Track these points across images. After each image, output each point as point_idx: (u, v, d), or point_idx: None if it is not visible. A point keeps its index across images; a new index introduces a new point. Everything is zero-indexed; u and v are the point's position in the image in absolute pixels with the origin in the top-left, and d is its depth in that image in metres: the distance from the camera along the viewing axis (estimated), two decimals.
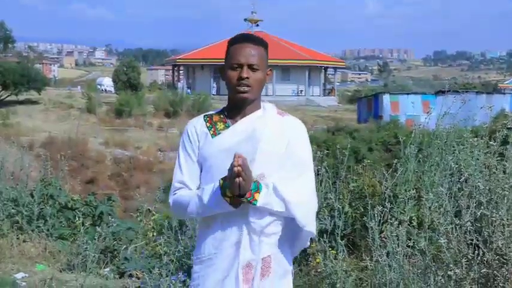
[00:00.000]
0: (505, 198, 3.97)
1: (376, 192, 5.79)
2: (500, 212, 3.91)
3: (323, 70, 65.00)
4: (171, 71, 77.45)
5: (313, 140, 3.04)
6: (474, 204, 4.03)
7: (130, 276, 6.10)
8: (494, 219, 3.90)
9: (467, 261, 3.88)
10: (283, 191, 2.76)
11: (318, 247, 4.89)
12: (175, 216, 5.67)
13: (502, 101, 34.11)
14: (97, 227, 6.93)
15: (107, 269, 6.55)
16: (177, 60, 65.31)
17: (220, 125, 2.91)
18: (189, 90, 55.10)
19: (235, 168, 2.61)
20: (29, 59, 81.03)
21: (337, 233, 5.00)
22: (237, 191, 2.67)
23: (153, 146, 35.45)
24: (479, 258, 3.85)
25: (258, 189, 2.73)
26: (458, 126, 6.04)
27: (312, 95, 60.37)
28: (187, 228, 5.81)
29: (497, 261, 3.88)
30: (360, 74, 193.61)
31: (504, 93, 42.37)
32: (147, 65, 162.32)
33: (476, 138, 4.99)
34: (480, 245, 3.93)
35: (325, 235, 4.85)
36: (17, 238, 7.13)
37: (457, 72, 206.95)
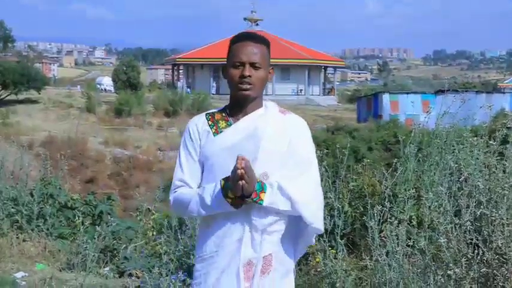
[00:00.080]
0: (505, 197, 3.97)
1: (376, 192, 5.79)
2: (500, 212, 3.91)
3: (323, 69, 65.00)
4: (170, 71, 77.46)
5: (312, 139, 3.03)
6: (474, 204, 4.03)
7: (130, 275, 6.10)
8: (493, 218, 3.90)
9: (467, 260, 3.88)
10: (288, 190, 2.76)
11: (318, 246, 4.89)
12: (176, 214, 5.68)
13: (501, 100, 34.14)
14: (97, 226, 6.94)
15: (107, 268, 6.55)
16: (177, 60, 65.31)
17: (222, 123, 2.90)
18: (188, 90, 55.08)
19: (239, 171, 2.61)
20: (28, 58, 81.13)
21: (337, 233, 5.00)
22: (239, 192, 2.67)
23: (152, 146, 35.46)
24: (479, 257, 3.85)
25: (262, 189, 2.72)
26: (458, 125, 6.03)
27: (312, 95, 60.37)
28: (187, 228, 5.81)
29: (497, 261, 3.88)
30: (359, 73, 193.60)
31: (504, 93, 42.39)
32: (147, 65, 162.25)
33: (476, 138, 4.98)
34: (480, 245, 3.92)
35: (324, 234, 4.84)
36: (17, 237, 7.14)
37: (457, 72, 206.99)
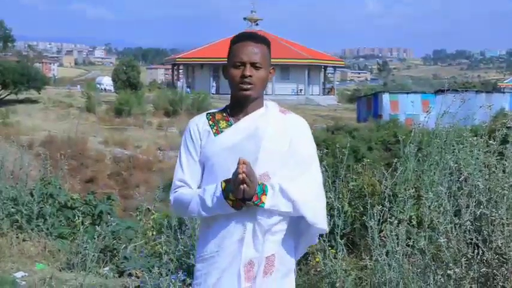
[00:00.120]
0: (505, 197, 3.97)
1: (376, 192, 5.79)
2: (499, 211, 3.91)
3: (322, 69, 65.01)
4: (170, 70, 77.49)
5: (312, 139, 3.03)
6: (474, 204, 4.03)
7: (130, 275, 6.10)
8: (493, 218, 3.90)
9: (466, 260, 3.88)
10: (290, 191, 2.76)
11: (318, 246, 4.89)
12: (176, 214, 5.67)
13: (501, 100, 34.16)
14: (96, 226, 6.93)
15: (107, 268, 6.55)
16: (177, 60, 65.33)
17: (222, 123, 2.90)
18: (188, 89, 55.10)
19: (240, 176, 2.62)
20: (28, 58, 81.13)
21: (337, 232, 5.00)
22: (241, 195, 2.68)
23: (152, 145, 35.47)
24: (478, 257, 3.85)
25: (264, 191, 2.72)
26: (457, 125, 6.03)
27: (312, 94, 60.39)
28: (186, 228, 5.80)
29: (496, 261, 3.88)
30: (359, 73, 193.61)
31: (504, 92, 42.43)
32: (147, 64, 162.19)
33: (475, 138, 4.98)
34: (480, 244, 3.92)
35: (324, 234, 4.85)
36: (17, 237, 7.13)
37: (457, 71, 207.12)
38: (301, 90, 59.94)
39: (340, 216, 5.19)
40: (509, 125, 4.53)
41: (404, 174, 5.60)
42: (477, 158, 4.84)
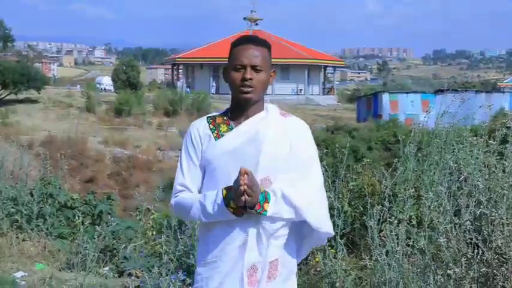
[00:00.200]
0: (505, 197, 3.97)
1: (376, 191, 5.79)
2: (499, 211, 3.91)
3: (322, 69, 65.01)
4: (170, 70, 77.52)
5: (312, 139, 3.03)
6: (473, 203, 4.03)
7: (130, 275, 6.10)
8: (493, 218, 3.90)
9: (466, 260, 3.88)
10: (292, 197, 2.76)
11: (318, 246, 4.89)
12: (177, 218, 5.67)
13: (501, 100, 34.17)
14: (96, 226, 6.93)
15: (106, 268, 6.55)
16: (177, 59, 65.33)
17: (223, 127, 2.90)
18: (188, 89, 55.10)
19: (242, 187, 2.62)
20: (28, 58, 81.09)
21: (337, 232, 5.00)
22: (242, 204, 2.68)
23: (152, 145, 35.46)
24: (478, 257, 3.85)
25: (266, 199, 2.72)
26: (457, 125, 6.03)
27: (312, 94, 60.40)
28: (186, 227, 5.80)
29: (496, 260, 3.88)
30: (359, 73, 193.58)
31: (503, 92, 42.45)
32: (147, 64, 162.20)
33: (475, 137, 4.98)
34: (480, 244, 3.92)
35: None
36: (17, 237, 7.13)
37: (457, 71, 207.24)
38: (301, 90, 59.94)
39: (340, 216, 5.19)
40: (509, 125, 4.52)
41: (404, 174, 5.60)
42: (477, 158, 4.84)
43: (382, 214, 4.58)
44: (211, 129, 2.91)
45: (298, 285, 3.02)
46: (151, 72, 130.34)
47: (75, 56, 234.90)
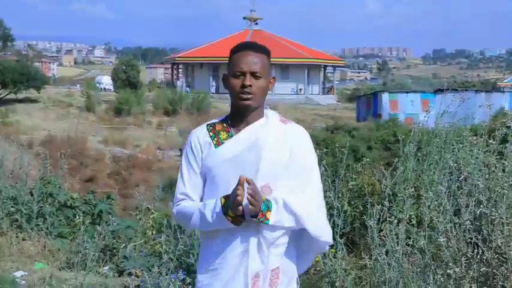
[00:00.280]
0: (504, 196, 3.97)
1: (376, 191, 5.80)
2: (499, 211, 3.91)
3: (322, 69, 65.01)
4: (170, 70, 77.49)
5: (312, 138, 3.02)
6: (473, 203, 4.03)
7: (130, 274, 6.10)
8: (493, 217, 3.90)
9: (466, 259, 3.88)
10: (293, 205, 2.76)
11: None
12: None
13: (501, 99, 34.17)
14: (97, 225, 6.93)
15: (106, 268, 6.55)
16: (176, 59, 65.35)
17: (223, 134, 2.90)
18: (188, 89, 55.10)
19: (239, 198, 2.62)
20: (28, 57, 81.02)
21: (337, 232, 5.00)
22: (239, 213, 2.68)
23: (152, 145, 35.48)
24: (478, 256, 3.85)
25: (268, 208, 2.73)
26: (457, 124, 6.04)
27: (311, 94, 60.42)
28: None
29: (496, 260, 3.88)
30: (359, 72, 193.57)
31: (503, 92, 42.46)
32: (146, 64, 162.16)
33: (475, 137, 4.98)
34: (479, 244, 3.92)
35: None
36: (16, 236, 7.13)
37: (456, 71, 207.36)
38: (300, 89, 59.95)
39: (339, 215, 5.19)
40: (508, 125, 4.53)
41: (404, 173, 5.60)
42: (477, 158, 4.85)
43: (382, 213, 4.58)
44: (211, 136, 2.91)
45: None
46: (151, 72, 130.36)
47: (75, 55, 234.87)
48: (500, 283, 3.85)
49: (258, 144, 2.82)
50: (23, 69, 46.48)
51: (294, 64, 59.14)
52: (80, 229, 6.44)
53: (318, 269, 4.96)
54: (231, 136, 2.88)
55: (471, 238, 3.97)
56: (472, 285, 3.84)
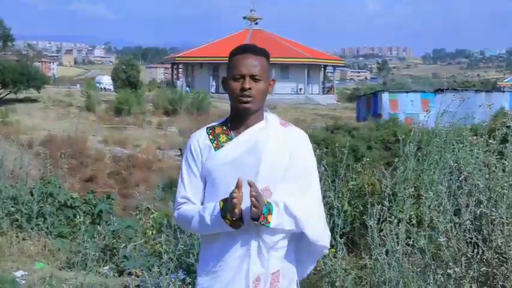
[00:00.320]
0: (505, 196, 3.97)
1: (376, 191, 5.80)
2: (499, 211, 3.91)
3: (322, 68, 65.04)
4: (170, 69, 77.48)
5: (312, 138, 3.02)
6: (473, 203, 4.03)
7: (130, 274, 6.10)
8: (493, 217, 3.90)
9: (466, 259, 3.88)
10: (293, 208, 2.77)
11: None
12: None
13: (501, 99, 34.17)
14: (97, 225, 6.93)
15: (106, 267, 6.55)
16: (176, 59, 65.37)
17: (223, 137, 2.90)
18: (188, 89, 55.11)
19: (234, 200, 2.63)
20: (28, 57, 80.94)
21: (337, 232, 5.00)
22: (236, 217, 2.69)
23: (152, 144, 35.47)
24: (478, 256, 3.85)
25: (269, 211, 2.73)
26: (457, 124, 6.03)
27: (311, 93, 60.42)
28: None
29: (496, 260, 3.88)
30: (359, 72, 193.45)
31: (503, 91, 42.48)
32: (146, 63, 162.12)
33: (475, 137, 4.98)
34: (480, 244, 3.92)
35: None
36: (17, 236, 7.13)
37: (456, 70, 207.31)
38: (300, 89, 59.95)
39: (339, 215, 5.19)
40: (509, 124, 4.53)
41: (404, 173, 5.60)
42: (477, 157, 4.85)
43: (382, 213, 4.58)
44: (210, 139, 2.91)
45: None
46: (151, 72, 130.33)
47: (75, 55, 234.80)
48: (500, 283, 3.85)
49: (257, 147, 2.82)
50: (23, 69, 46.48)
51: (294, 64, 59.14)
52: (80, 229, 6.44)
53: (318, 268, 4.95)
54: (231, 139, 2.88)
55: (471, 238, 3.97)
56: (472, 285, 3.84)
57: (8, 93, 46.92)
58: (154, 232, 7.13)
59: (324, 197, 5.43)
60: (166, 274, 4.96)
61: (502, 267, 3.85)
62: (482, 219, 4.04)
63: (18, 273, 6.34)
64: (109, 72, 72.15)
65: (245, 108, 2.84)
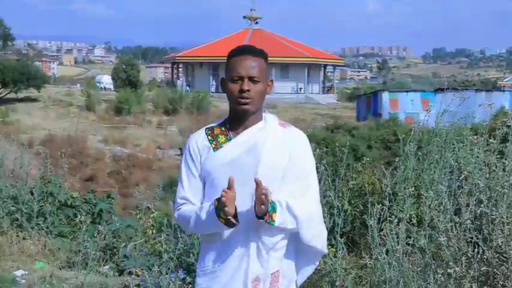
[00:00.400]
0: (505, 196, 3.97)
1: (376, 190, 5.80)
2: (500, 210, 3.91)
3: (322, 68, 65.06)
4: (170, 69, 77.51)
5: (312, 138, 3.02)
6: (474, 202, 4.03)
7: (130, 273, 6.10)
8: (494, 217, 3.90)
9: (467, 259, 3.88)
10: (294, 208, 2.78)
11: None
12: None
13: (501, 99, 34.15)
14: (98, 224, 6.93)
15: (107, 267, 6.55)
16: (176, 58, 65.41)
17: (221, 138, 2.90)
18: (188, 88, 55.13)
19: (223, 199, 2.64)
20: (28, 56, 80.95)
21: (337, 231, 5.00)
22: (227, 215, 2.69)
23: (152, 144, 35.49)
24: (479, 256, 3.85)
25: (274, 210, 2.74)
26: (457, 123, 6.03)
27: (311, 93, 60.42)
28: None
29: (497, 259, 3.88)
30: (359, 71, 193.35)
31: (503, 91, 42.46)
32: (146, 63, 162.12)
33: (475, 136, 4.98)
34: (480, 243, 3.92)
35: None
36: (17, 235, 7.14)
37: (456, 70, 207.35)
38: (300, 88, 59.95)
39: (340, 214, 5.19)
40: (509, 124, 4.53)
41: (404, 172, 5.60)
42: (477, 157, 4.85)
43: (382, 213, 4.58)
44: (209, 140, 2.91)
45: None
46: (151, 71, 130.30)
47: (75, 54, 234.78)
48: (500, 282, 3.85)
49: (256, 147, 2.82)
50: (23, 69, 46.50)
51: (294, 63, 59.16)
52: (80, 228, 6.44)
53: (318, 268, 4.96)
54: (230, 140, 2.89)
55: (471, 237, 3.97)
56: (473, 284, 3.84)
57: (8, 93, 46.92)
58: (154, 231, 7.13)
59: (324, 197, 5.44)
60: (167, 273, 4.96)
61: (503, 267, 3.85)
62: (482, 219, 4.04)
63: (19, 273, 6.35)
64: (109, 72, 72.18)
65: (244, 109, 2.84)
